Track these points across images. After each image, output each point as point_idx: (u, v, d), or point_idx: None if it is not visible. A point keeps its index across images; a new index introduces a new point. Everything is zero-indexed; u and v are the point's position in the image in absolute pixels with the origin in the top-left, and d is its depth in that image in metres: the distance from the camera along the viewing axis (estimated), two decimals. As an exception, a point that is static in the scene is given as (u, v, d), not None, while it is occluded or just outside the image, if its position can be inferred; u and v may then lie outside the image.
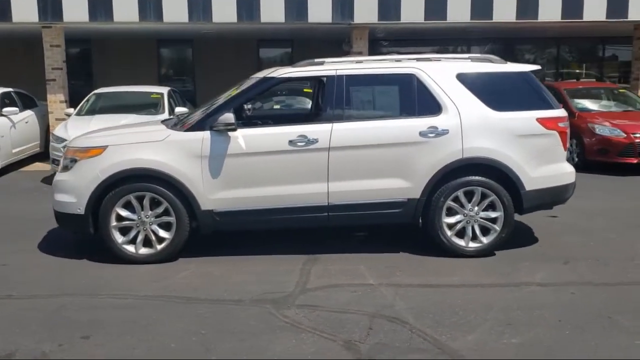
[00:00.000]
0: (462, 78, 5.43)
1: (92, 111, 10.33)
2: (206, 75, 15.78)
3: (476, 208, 5.39)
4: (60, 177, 5.42)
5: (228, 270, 5.13)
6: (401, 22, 11.38)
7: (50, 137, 9.54)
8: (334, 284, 4.80)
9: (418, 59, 5.60)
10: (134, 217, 5.23)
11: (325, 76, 5.43)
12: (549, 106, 5.55)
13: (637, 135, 9.97)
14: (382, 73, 5.49)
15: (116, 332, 3.88)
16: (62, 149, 9.03)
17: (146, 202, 5.20)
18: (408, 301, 4.40)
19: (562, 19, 11.76)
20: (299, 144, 5.23)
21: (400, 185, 5.33)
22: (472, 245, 5.44)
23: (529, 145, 5.40)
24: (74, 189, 5.24)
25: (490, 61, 5.65)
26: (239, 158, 5.22)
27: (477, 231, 5.43)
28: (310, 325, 3.98)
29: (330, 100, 5.35)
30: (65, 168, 5.39)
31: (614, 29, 13.54)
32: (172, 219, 5.22)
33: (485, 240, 5.43)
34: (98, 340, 3.77)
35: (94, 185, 5.16)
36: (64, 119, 11.50)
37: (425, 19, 11.39)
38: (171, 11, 10.87)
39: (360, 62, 5.59)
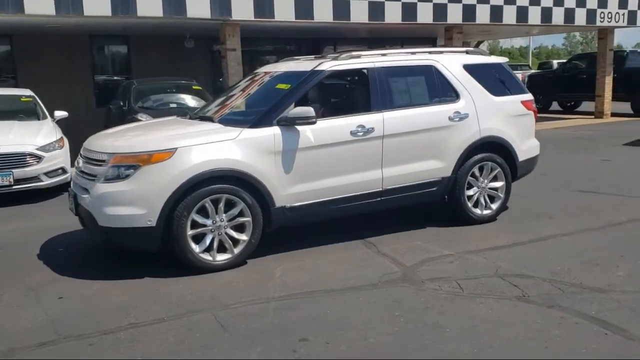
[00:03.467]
0: (467, 68, 6.22)
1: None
2: (31, 74, 13.76)
3: (486, 180, 6.26)
4: (112, 187, 4.70)
5: (311, 262, 5.12)
6: (275, 20, 11.69)
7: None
8: (423, 259, 5.16)
9: (430, 52, 6.21)
10: (209, 222, 4.85)
11: (367, 68, 5.68)
12: (523, 91, 6.68)
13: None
14: (408, 65, 5.97)
15: (325, 332, 3.74)
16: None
17: (221, 204, 4.86)
18: (503, 262, 5.02)
19: (402, 21, 13.37)
20: (359, 133, 5.43)
21: (437, 166, 5.90)
22: (485, 212, 6.29)
23: (519, 123, 6.45)
24: (141, 199, 4.62)
25: (481, 54, 6.56)
26: (309, 151, 5.21)
27: (487, 200, 6.30)
28: (471, 292, 4.36)
29: (376, 91, 5.63)
30: (118, 177, 4.69)
31: (422, 31, 15.75)
32: (247, 219, 4.97)
33: (493, 207, 6.33)
34: (323, 340, 3.62)
35: (168, 192, 4.64)
36: None
37: (295, 18, 11.89)
38: (33, 2, 9.43)
39: (385, 55, 5.97)
